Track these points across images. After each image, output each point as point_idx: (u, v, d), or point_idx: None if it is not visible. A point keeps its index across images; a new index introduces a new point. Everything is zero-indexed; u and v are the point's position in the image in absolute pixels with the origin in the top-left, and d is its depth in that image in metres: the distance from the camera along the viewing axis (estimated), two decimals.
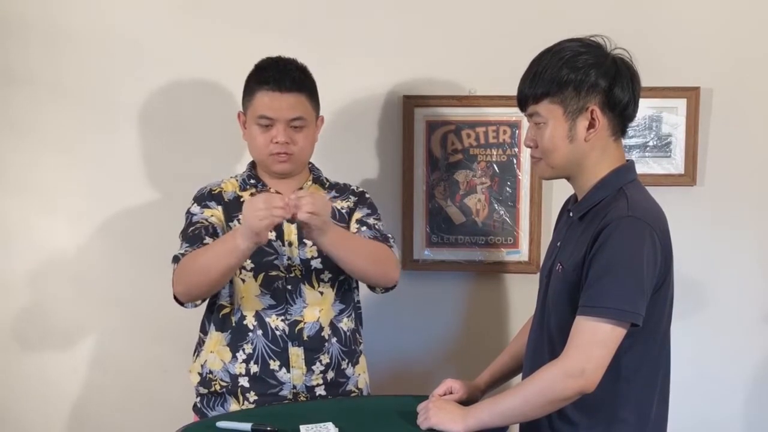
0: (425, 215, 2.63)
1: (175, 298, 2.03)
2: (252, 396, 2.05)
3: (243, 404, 2.05)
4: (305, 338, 2.05)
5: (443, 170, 2.61)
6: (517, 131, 2.57)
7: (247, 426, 1.75)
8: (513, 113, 2.46)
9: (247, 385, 2.05)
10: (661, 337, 1.76)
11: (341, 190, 2.20)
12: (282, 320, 2.05)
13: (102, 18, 2.62)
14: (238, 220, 2.05)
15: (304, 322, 2.06)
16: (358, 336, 2.19)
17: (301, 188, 2.12)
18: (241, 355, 2.05)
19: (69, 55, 2.63)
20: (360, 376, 2.18)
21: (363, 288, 2.20)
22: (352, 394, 2.14)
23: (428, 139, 2.60)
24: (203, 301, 2.06)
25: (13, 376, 2.77)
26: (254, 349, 2.04)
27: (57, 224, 2.70)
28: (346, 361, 2.12)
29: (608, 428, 1.73)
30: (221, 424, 1.79)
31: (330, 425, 1.73)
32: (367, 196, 2.21)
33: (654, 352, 1.75)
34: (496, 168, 2.60)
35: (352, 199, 2.18)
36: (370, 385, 2.25)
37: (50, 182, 2.69)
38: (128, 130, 2.65)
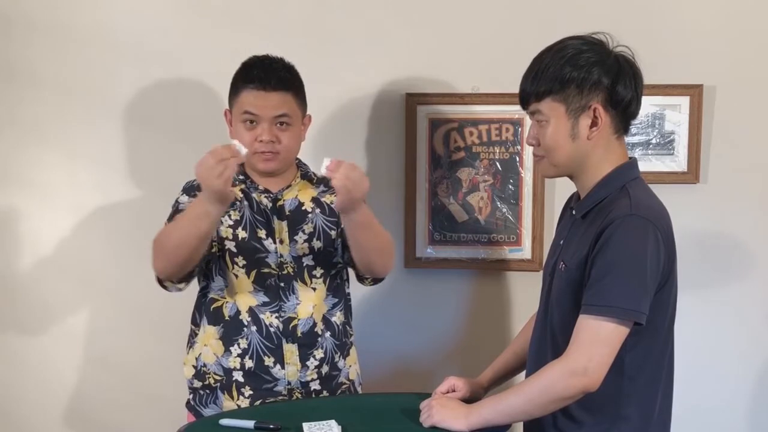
0: (428, 213, 2.63)
1: (158, 280, 2.01)
2: (247, 391, 2.05)
3: (238, 399, 2.05)
4: (299, 335, 2.06)
5: (446, 168, 2.61)
6: (519, 129, 2.57)
7: (250, 423, 1.75)
8: (516, 111, 2.46)
9: (242, 379, 2.05)
10: (665, 334, 1.76)
11: (330, 184, 2.19)
12: (276, 317, 2.05)
13: (104, 16, 2.63)
14: (229, 215, 2.05)
15: (298, 319, 2.06)
16: (348, 328, 2.19)
17: (289, 186, 2.12)
18: (235, 350, 2.05)
19: (71, 53, 2.64)
20: (351, 368, 2.18)
21: (355, 282, 2.21)
22: (344, 386, 2.15)
23: (431, 136, 2.60)
24: (186, 283, 2.04)
25: (13, 371, 2.77)
26: (249, 345, 2.05)
27: (58, 220, 2.70)
28: (339, 354, 2.13)
29: (612, 426, 1.73)
30: (224, 421, 1.79)
31: (333, 423, 1.73)
32: None
33: (657, 349, 1.75)
34: (498, 166, 2.60)
35: None
36: (373, 382, 2.26)
37: (52, 179, 2.69)
38: (130, 128, 2.66)
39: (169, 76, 2.63)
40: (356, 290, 2.30)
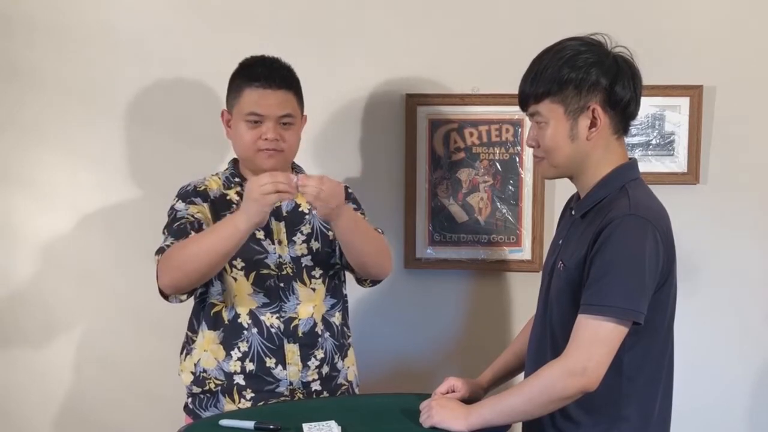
0: (428, 213, 2.63)
1: (161, 292, 2.00)
2: (249, 394, 2.04)
3: (239, 403, 2.04)
4: (300, 335, 2.06)
5: (446, 168, 2.61)
6: (519, 129, 2.57)
7: (250, 424, 1.75)
8: (516, 111, 2.44)
9: (243, 383, 2.04)
10: (664, 334, 1.76)
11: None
12: (277, 318, 2.05)
13: (105, 16, 2.63)
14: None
15: (299, 319, 2.06)
16: (346, 329, 2.19)
17: None
18: (236, 353, 2.04)
19: (72, 53, 2.64)
20: (349, 369, 2.18)
21: (352, 283, 2.21)
22: (343, 387, 2.15)
23: (431, 137, 2.60)
24: (189, 296, 2.04)
25: (13, 371, 2.77)
26: (250, 347, 2.04)
27: (59, 221, 2.70)
28: (338, 355, 2.13)
29: (611, 426, 1.73)
30: (224, 422, 1.79)
31: (333, 423, 1.73)
32: (350, 191, 2.21)
33: (657, 349, 1.75)
34: (498, 166, 2.60)
35: None
36: (373, 382, 2.25)
37: (53, 179, 2.69)
38: (130, 128, 2.66)
39: (170, 76, 2.63)
40: (356, 290, 2.30)
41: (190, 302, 2.12)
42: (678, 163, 2.56)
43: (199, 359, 2.08)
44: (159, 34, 2.62)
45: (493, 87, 2.54)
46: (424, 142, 2.60)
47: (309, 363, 2.07)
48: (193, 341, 2.11)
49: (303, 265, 2.09)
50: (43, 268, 2.73)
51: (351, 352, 2.21)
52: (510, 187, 2.60)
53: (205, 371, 2.07)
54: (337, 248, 2.12)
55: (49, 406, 2.78)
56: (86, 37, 2.63)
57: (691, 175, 2.55)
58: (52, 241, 2.71)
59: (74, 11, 2.63)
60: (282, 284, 2.06)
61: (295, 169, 2.19)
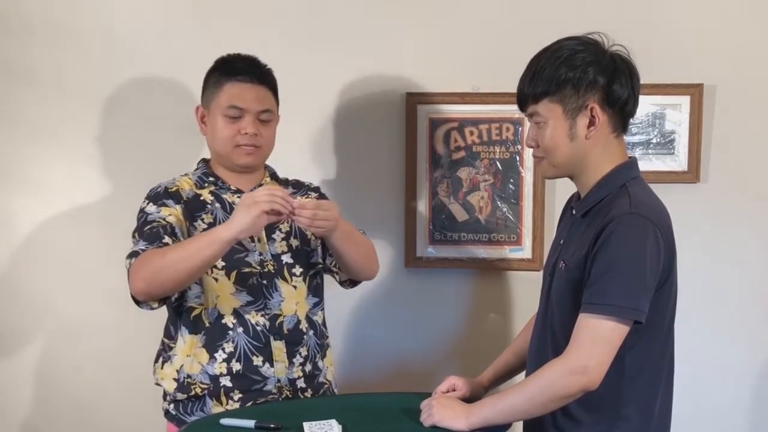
0: (428, 212, 2.63)
1: (133, 298, 1.96)
2: (236, 395, 2.01)
3: (227, 404, 2.01)
4: (286, 331, 2.05)
5: (446, 168, 2.61)
6: (520, 128, 2.57)
7: (251, 423, 1.75)
8: (516, 110, 2.43)
9: (229, 384, 2.01)
10: (665, 334, 1.76)
11: (297, 186, 2.20)
12: (262, 315, 2.03)
13: (102, 15, 2.63)
14: (202, 219, 2.03)
15: (284, 316, 2.06)
16: (324, 330, 2.19)
17: (260, 184, 2.11)
18: (220, 355, 2.01)
19: (69, 53, 2.64)
20: (328, 369, 2.18)
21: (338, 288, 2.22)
22: (324, 386, 2.14)
23: (431, 136, 2.60)
24: (160, 304, 1.99)
25: (10, 369, 2.77)
26: (236, 347, 2.01)
27: (58, 220, 2.71)
28: (319, 354, 2.13)
29: (612, 425, 1.73)
30: (224, 421, 1.79)
31: (333, 422, 1.73)
32: (322, 191, 2.23)
33: (657, 349, 1.74)
34: (499, 165, 2.60)
35: (313, 195, 2.18)
36: (373, 382, 2.25)
37: (51, 178, 2.70)
38: (129, 127, 2.66)
39: (167, 75, 2.63)
40: (356, 290, 2.30)
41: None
42: (678, 161, 2.55)
43: (182, 365, 2.03)
44: (157, 32, 2.62)
45: (494, 86, 2.54)
46: (425, 140, 2.60)
47: (294, 360, 2.06)
48: (171, 348, 2.07)
49: (284, 262, 2.08)
50: (41, 266, 2.73)
51: (329, 353, 2.20)
52: (510, 186, 2.60)
53: (189, 377, 2.02)
54: (318, 248, 2.13)
55: (48, 405, 2.78)
56: (83, 35, 2.64)
57: (692, 174, 2.55)
58: (50, 239, 2.72)
59: (71, 11, 2.64)
60: (265, 281, 2.05)
61: (268, 168, 2.18)
